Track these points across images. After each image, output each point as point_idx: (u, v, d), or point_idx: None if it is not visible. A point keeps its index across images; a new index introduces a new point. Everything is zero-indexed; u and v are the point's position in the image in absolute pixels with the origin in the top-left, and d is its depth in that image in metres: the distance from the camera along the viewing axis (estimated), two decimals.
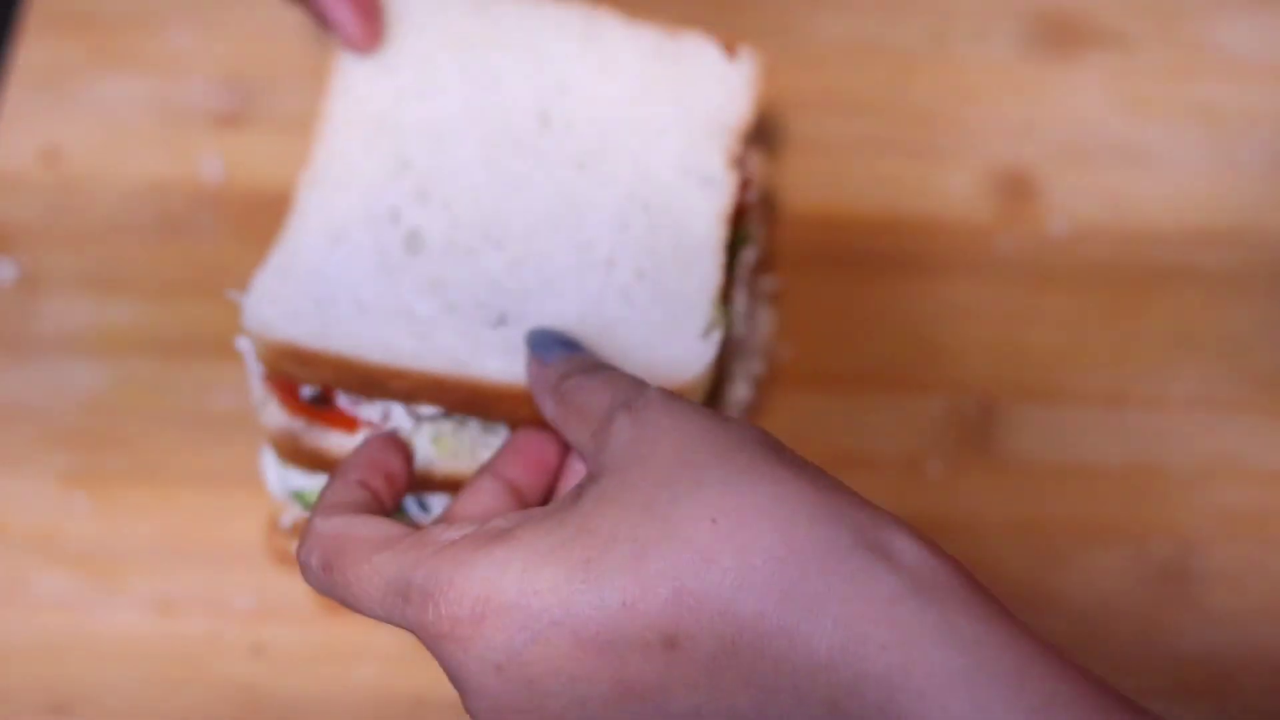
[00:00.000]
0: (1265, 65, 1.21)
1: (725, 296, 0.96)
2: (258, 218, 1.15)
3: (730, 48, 1.01)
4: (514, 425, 0.92)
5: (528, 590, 0.74)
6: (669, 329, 0.93)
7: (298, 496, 0.98)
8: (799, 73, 1.21)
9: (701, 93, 1.00)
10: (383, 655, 1.02)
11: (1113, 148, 1.18)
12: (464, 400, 0.92)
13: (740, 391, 1.07)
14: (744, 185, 1.00)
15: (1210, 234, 1.15)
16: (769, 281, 1.12)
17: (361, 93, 0.99)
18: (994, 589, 1.03)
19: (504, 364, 0.92)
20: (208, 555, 1.05)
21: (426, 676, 1.01)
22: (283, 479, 0.98)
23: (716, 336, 0.93)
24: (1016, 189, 1.17)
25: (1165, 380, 1.10)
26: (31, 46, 1.22)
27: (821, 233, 1.15)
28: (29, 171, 1.18)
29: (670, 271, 0.95)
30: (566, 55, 1.01)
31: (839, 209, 1.16)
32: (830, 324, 1.12)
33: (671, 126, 0.99)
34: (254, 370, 0.94)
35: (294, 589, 1.04)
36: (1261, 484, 1.07)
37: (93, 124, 1.20)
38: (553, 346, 0.87)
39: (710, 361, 0.92)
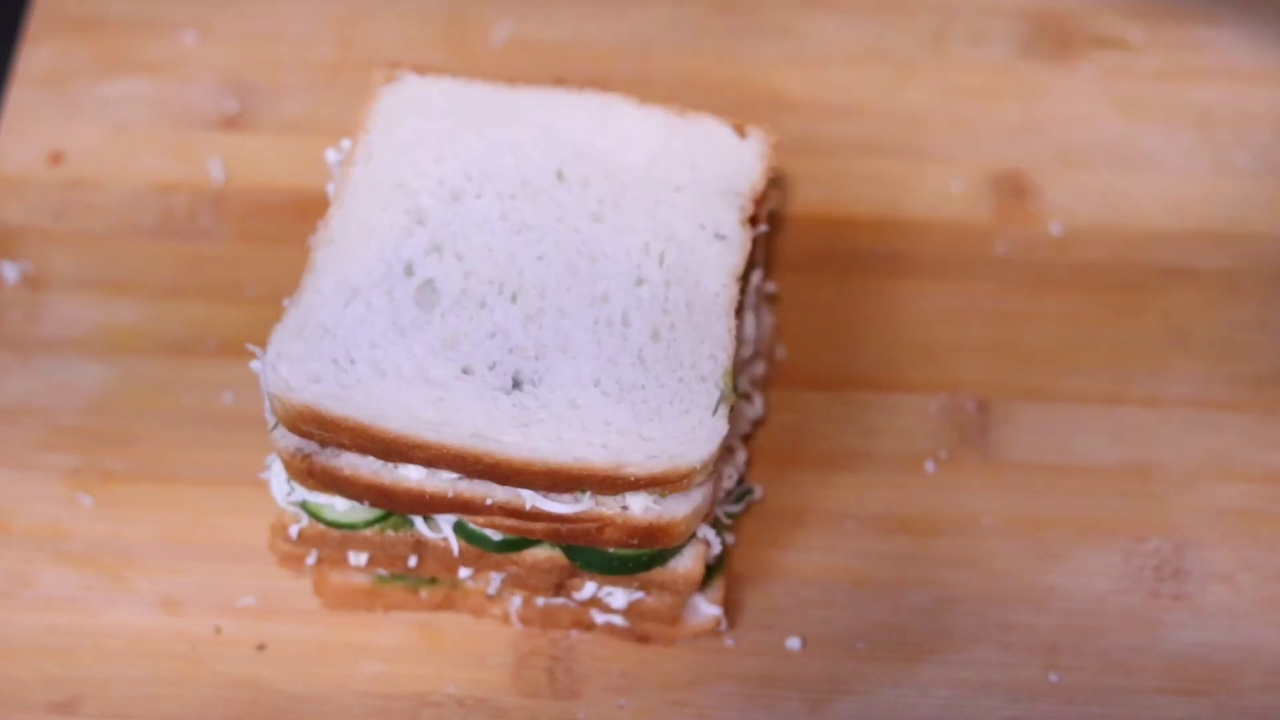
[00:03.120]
0: (1260, 68, 1.22)
1: (735, 368, 0.97)
2: (259, 219, 1.16)
3: (740, 129, 1.02)
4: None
5: None
6: (682, 398, 0.94)
7: (305, 507, 0.99)
8: (798, 74, 1.22)
9: (714, 162, 1.02)
10: (385, 653, 1.03)
11: (1109, 149, 1.19)
12: (484, 471, 0.93)
13: (755, 408, 1.08)
14: (756, 222, 1.02)
15: (1205, 235, 1.16)
16: (768, 283, 1.13)
17: (382, 160, 1.01)
18: (990, 586, 1.04)
19: (521, 438, 0.93)
20: (212, 553, 1.05)
21: (429, 673, 1.02)
22: (289, 490, 0.99)
23: (726, 412, 0.94)
24: (1014, 190, 1.17)
25: (1160, 380, 1.11)
26: (35, 50, 1.23)
27: (820, 234, 1.16)
28: (34, 174, 1.18)
29: (684, 333, 0.96)
30: (581, 129, 1.02)
31: (838, 210, 1.17)
32: (829, 324, 1.13)
33: (686, 184, 1.00)
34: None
35: (297, 587, 1.05)
36: (1255, 483, 1.07)
37: (96, 127, 1.20)
38: None
39: (721, 441, 0.93)
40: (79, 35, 1.24)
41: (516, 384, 0.94)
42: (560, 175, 1.00)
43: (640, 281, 0.97)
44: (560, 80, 1.04)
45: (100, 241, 1.16)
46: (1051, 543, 1.05)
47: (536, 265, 0.97)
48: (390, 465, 0.95)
